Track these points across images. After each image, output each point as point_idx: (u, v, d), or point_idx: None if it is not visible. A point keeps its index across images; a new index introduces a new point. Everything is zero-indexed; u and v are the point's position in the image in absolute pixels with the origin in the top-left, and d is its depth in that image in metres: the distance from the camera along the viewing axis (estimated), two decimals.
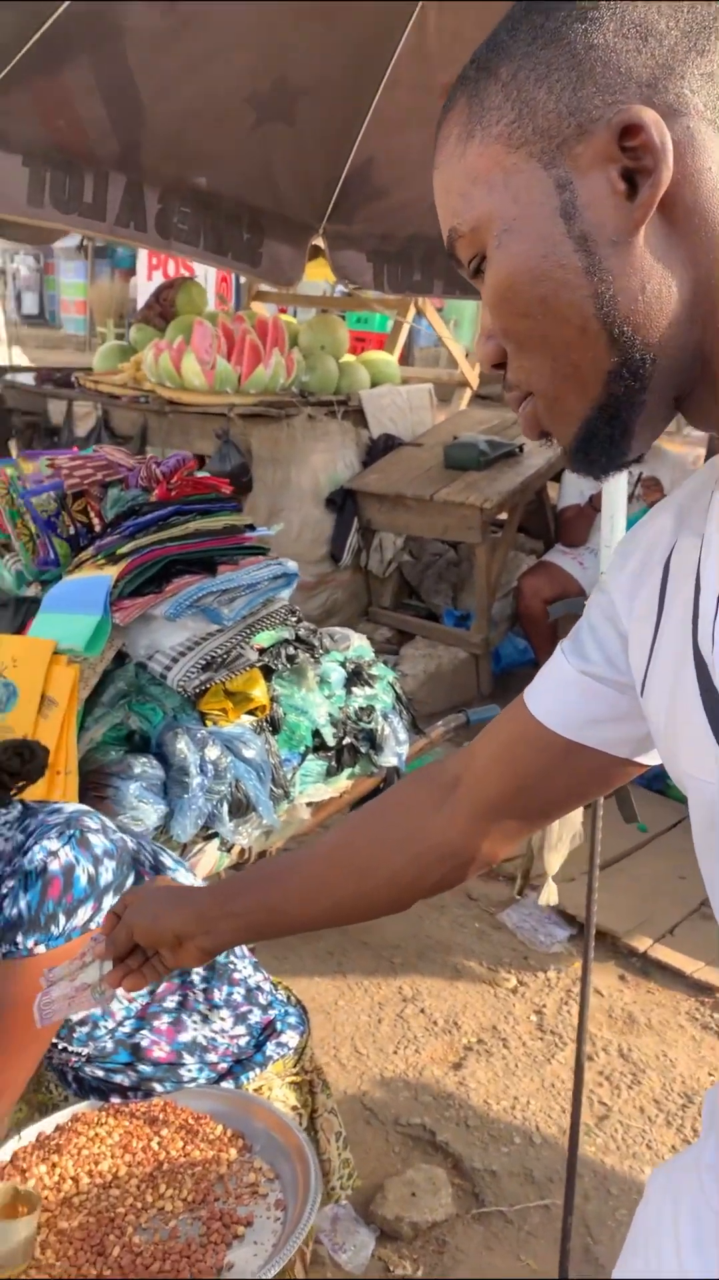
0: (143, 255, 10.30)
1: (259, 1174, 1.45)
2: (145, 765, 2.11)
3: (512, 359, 0.73)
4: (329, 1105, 1.76)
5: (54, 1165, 1.43)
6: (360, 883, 1.05)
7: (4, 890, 1.36)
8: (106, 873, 1.41)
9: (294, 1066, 1.70)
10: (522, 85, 0.65)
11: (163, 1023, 1.54)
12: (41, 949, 1.35)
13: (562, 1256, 1.71)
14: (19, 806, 1.46)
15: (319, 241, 2.41)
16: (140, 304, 9.76)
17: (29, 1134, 1.48)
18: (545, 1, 0.65)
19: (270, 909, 1.09)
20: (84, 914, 1.37)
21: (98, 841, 1.42)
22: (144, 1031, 1.53)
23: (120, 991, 1.14)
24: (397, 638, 5.21)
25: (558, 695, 0.91)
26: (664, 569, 0.81)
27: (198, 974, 1.59)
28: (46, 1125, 1.50)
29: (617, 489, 1.54)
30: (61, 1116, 1.51)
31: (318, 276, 4.22)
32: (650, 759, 0.93)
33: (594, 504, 4.66)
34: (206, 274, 9.02)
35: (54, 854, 1.36)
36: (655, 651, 0.81)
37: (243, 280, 7.25)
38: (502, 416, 5.34)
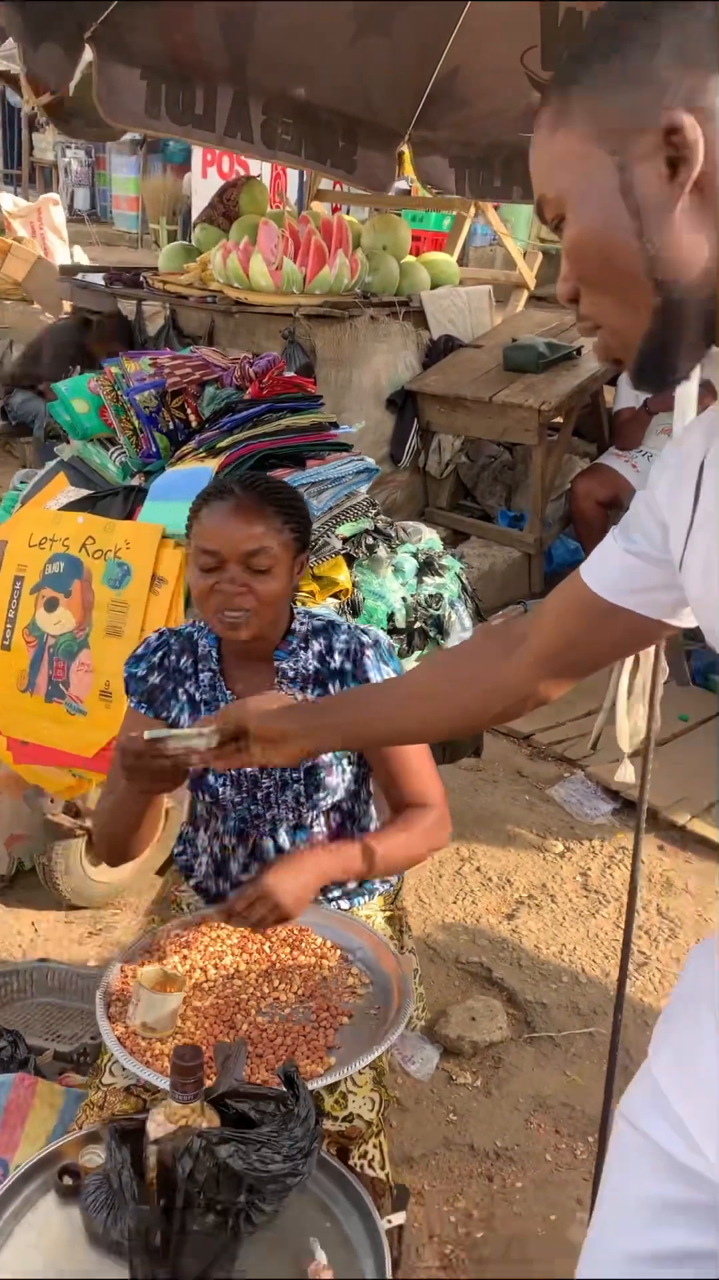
0: (197, 151, 10.22)
1: (356, 979, 1.73)
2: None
3: (584, 297, 0.95)
4: (410, 945, 2.04)
5: (185, 957, 1.72)
6: (437, 708, 1.35)
7: (359, 665, 1.74)
8: None
9: (390, 903, 1.97)
10: (598, 95, 0.87)
11: (333, 821, 1.84)
12: None
13: (610, 1058, 1.99)
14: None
15: (404, 148, 2.53)
16: (195, 200, 9.74)
17: (164, 930, 1.77)
18: (614, 29, 0.87)
19: (361, 723, 1.41)
20: None
21: None
22: (320, 822, 1.83)
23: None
24: (452, 538, 5.39)
25: (605, 567, 1.16)
26: (699, 472, 1.03)
27: (353, 806, 1.86)
28: (176, 927, 1.78)
29: (687, 393, 1.73)
30: (189, 920, 1.80)
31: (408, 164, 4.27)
32: (679, 621, 1.17)
33: (649, 408, 4.77)
34: (262, 173, 8.98)
35: (386, 639, 1.82)
36: (691, 539, 1.04)
37: (304, 179, 7.26)
38: (560, 318, 5.41)
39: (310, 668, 1.76)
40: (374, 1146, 1.65)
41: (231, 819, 1.82)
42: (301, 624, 1.79)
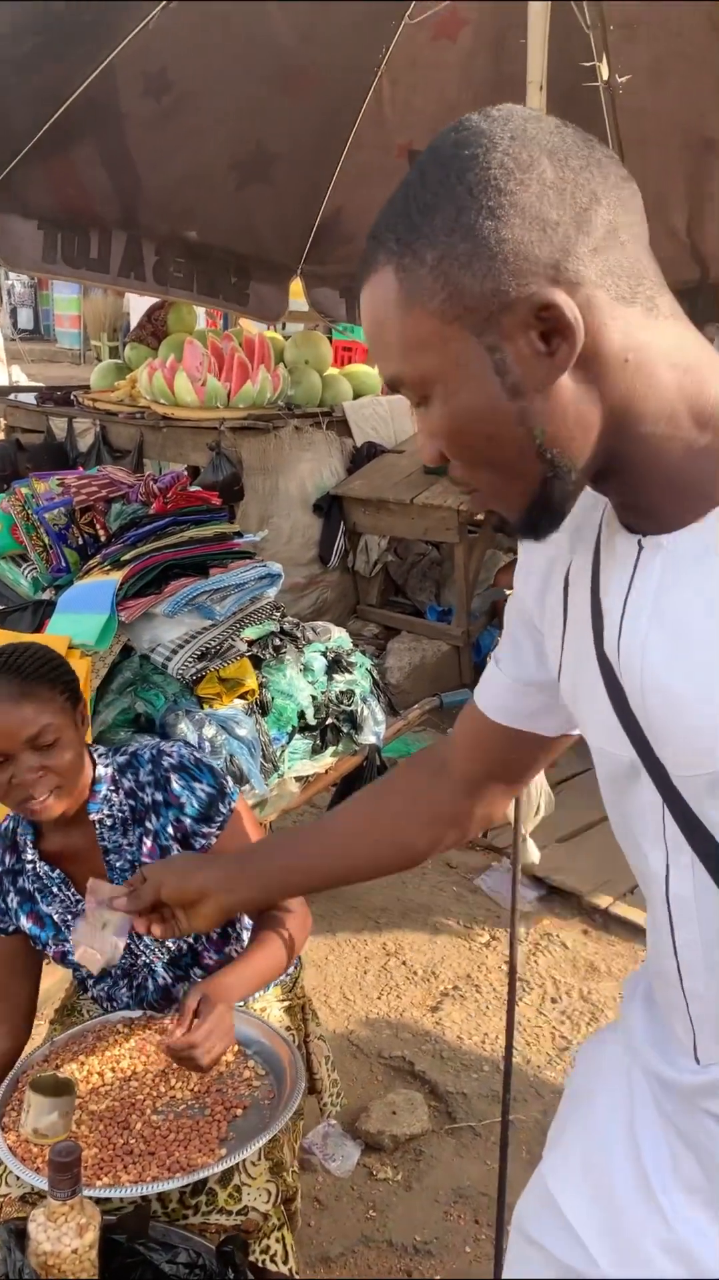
0: None
1: (252, 1071, 1.77)
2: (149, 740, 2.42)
3: (455, 466, 0.88)
4: (318, 1032, 2.07)
5: (82, 1063, 1.74)
6: (377, 847, 1.27)
7: (168, 793, 1.73)
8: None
9: (288, 993, 2.01)
10: (448, 272, 0.78)
11: (215, 933, 1.87)
12: (236, 803, 1.78)
13: (501, 1153, 2.02)
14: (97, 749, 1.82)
15: (297, 281, 2.71)
16: (133, 317, 10.08)
17: (60, 1040, 1.79)
18: (456, 194, 0.78)
19: (290, 869, 1.30)
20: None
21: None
22: (202, 938, 1.85)
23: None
24: (383, 633, 5.52)
25: (500, 698, 1.16)
26: (564, 581, 0.99)
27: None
28: (74, 1034, 1.81)
29: None
30: (89, 1026, 1.83)
31: (303, 294, 4.55)
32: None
33: None
34: None
35: (189, 753, 1.78)
36: (565, 649, 1.01)
37: None
38: None
39: (126, 809, 1.75)
40: (276, 1241, 1.66)
41: (113, 970, 1.84)
42: (105, 765, 1.76)
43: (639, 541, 0.87)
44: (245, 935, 1.92)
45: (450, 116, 2.62)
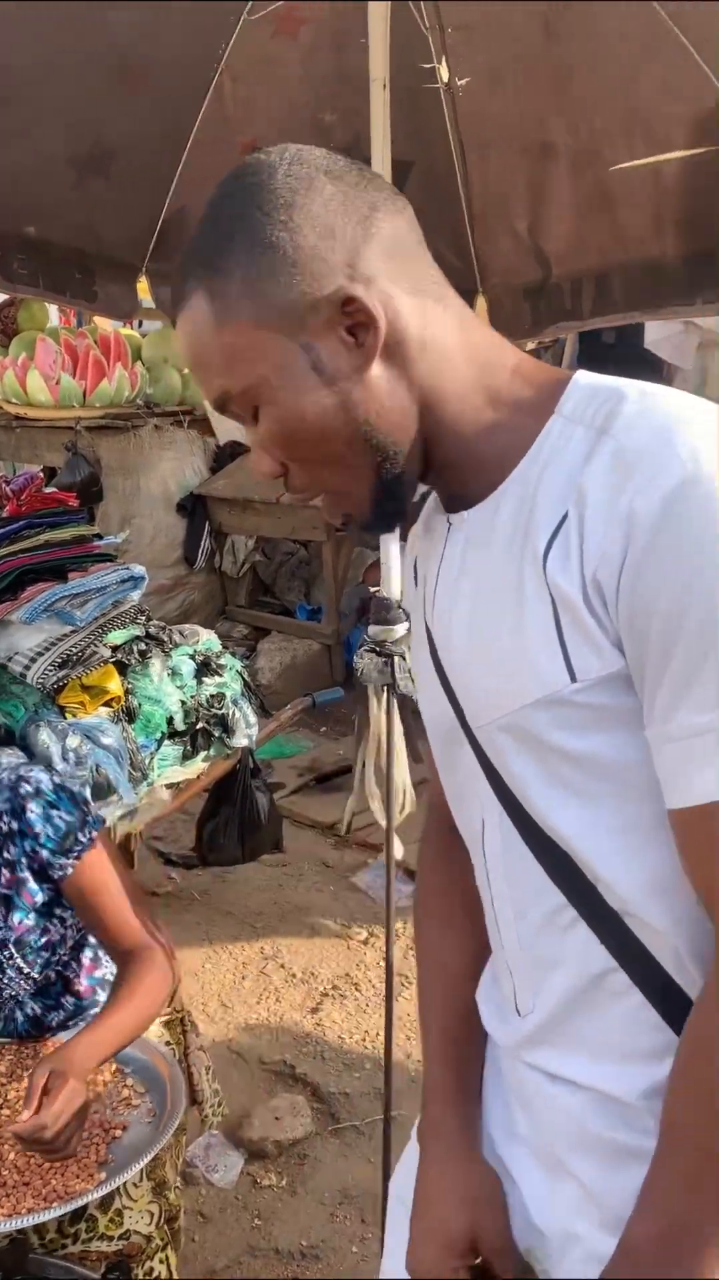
0: None
1: (131, 1090, 1.72)
2: (11, 757, 2.33)
3: (294, 473, 0.93)
4: (198, 1044, 2.03)
5: None
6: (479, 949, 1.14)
7: (24, 822, 1.64)
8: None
9: (166, 1007, 1.96)
10: (254, 283, 0.86)
11: (86, 957, 1.80)
12: (95, 833, 1.69)
13: (385, 1139, 2.02)
14: None
15: (142, 279, 2.66)
16: None
17: None
18: (250, 217, 0.86)
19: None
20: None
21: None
22: (73, 964, 1.78)
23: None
24: (253, 634, 5.49)
25: None
26: (414, 567, 1.09)
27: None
28: None
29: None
30: None
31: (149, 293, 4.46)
32: None
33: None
34: None
35: (49, 779, 1.69)
36: (412, 631, 1.11)
37: None
38: None
39: None
40: (159, 1262, 1.62)
41: None
42: None
43: (448, 519, 0.97)
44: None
45: (293, 114, 2.57)
